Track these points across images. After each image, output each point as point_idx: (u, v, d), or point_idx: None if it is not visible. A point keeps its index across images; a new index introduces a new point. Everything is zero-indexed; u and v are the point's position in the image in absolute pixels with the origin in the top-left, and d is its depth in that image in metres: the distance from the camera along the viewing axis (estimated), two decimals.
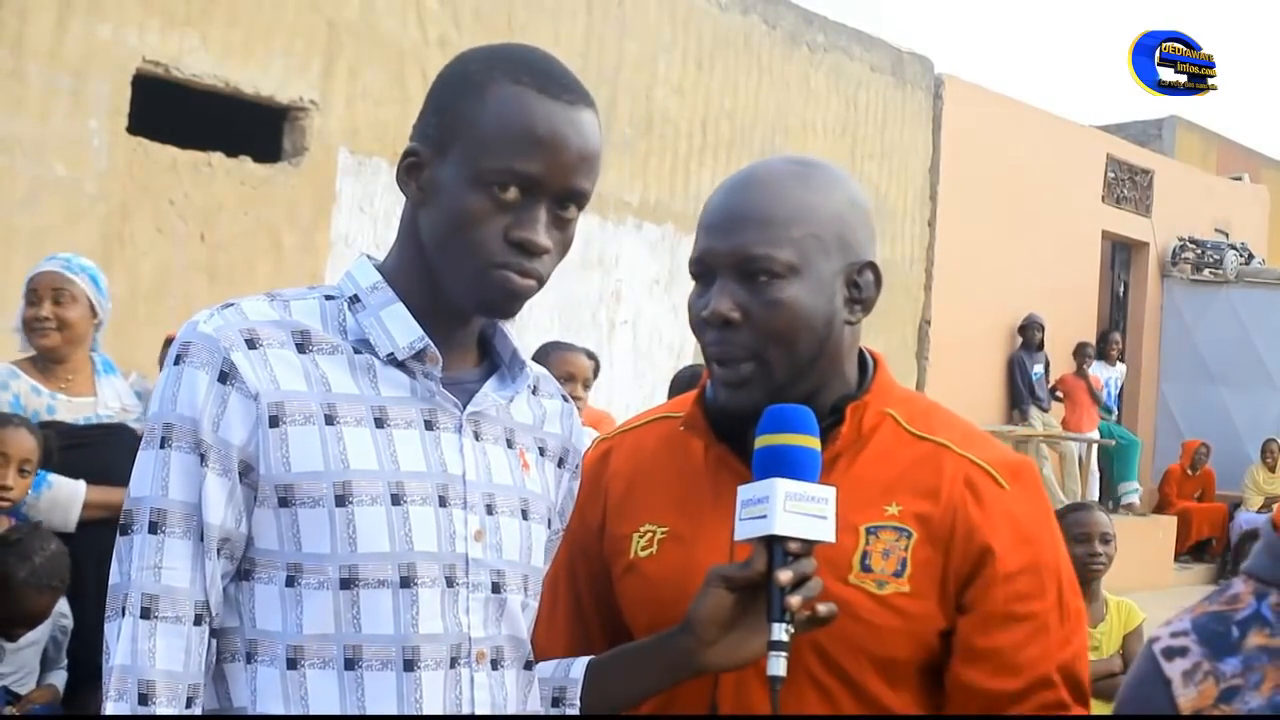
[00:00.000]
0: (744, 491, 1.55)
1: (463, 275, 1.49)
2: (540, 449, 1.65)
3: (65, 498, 3.82)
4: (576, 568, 1.82)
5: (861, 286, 1.69)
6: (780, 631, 1.49)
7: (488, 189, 1.47)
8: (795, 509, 1.51)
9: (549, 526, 1.66)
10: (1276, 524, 1.38)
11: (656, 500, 1.73)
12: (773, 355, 1.63)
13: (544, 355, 4.80)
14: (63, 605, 3.78)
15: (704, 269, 1.68)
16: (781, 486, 1.51)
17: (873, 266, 1.70)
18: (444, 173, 1.49)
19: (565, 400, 1.73)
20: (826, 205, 1.66)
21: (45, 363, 4.07)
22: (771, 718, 1.51)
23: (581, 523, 1.80)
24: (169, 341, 4.31)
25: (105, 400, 4.09)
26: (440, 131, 1.49)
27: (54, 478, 3.83)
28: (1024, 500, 1.68)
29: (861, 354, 1.76)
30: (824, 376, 1.68)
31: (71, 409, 4.02)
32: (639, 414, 1.93)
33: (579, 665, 1.67)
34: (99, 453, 3.92)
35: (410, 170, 1.51)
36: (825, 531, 1.53)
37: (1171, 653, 1.33)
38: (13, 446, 3.67)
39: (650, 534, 1.72)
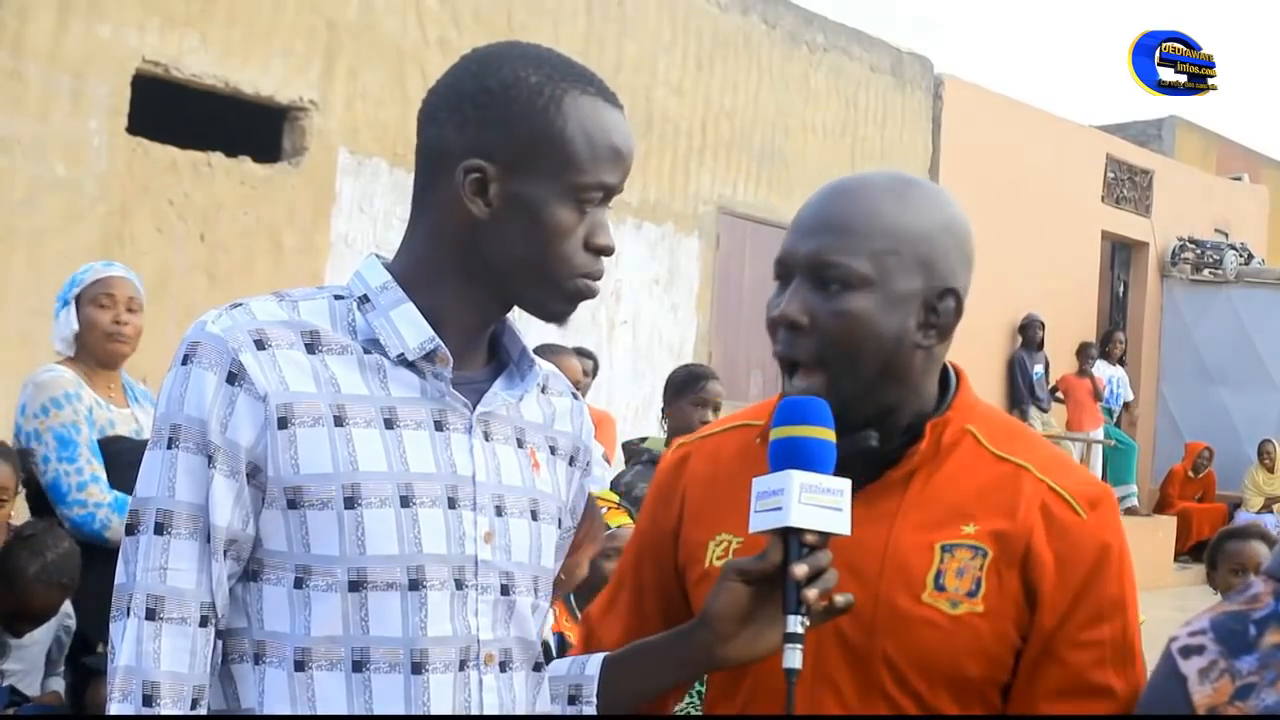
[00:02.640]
0: (759, 483, 1.54)
1: (545, 285, 1.52)
2: (551, 448, 1.65)
3: None
4: (643, 566, 1.82)
5: (940, 312, 1.64)
6: (796, 624, 1.48)
7: (577, 203, 1.50)
8: (811, 501, 1.50)
9: (559, 526, 1.65)
10: None
11: (733, 510, 1.69)
12: (837, 366, 1.60)
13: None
14: (66, 606, 3.77)
15: (783, 270, 1.66)
16: (797, 478, 1.50)
17: (955, 293, 1.64)
18: (523, 187, 1.49)
19: (575, 398, 1.72)
20: (916, 224, 1.62)
21: (94, 372, 3.92)
22: (800, 717, 1.51)
23: (654, 524, 1.81)
24: None
25: (145, 422, 3.95)
26: (514, 146, 1.49)
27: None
28: (1100, 530, 1.64)
29: (945, 370, 1.72)
30: (897, 397, 1.64)
31: (123, 422, 3.91)
32: (719, 419, 1.93)
33: (594, 662, 1.67)
34: None
35: (476, 186, 1.49)
36: (840, 524, 1.51)
37: (1188, 651, 1.34)
38: None
39: (726, 544, 1.70)
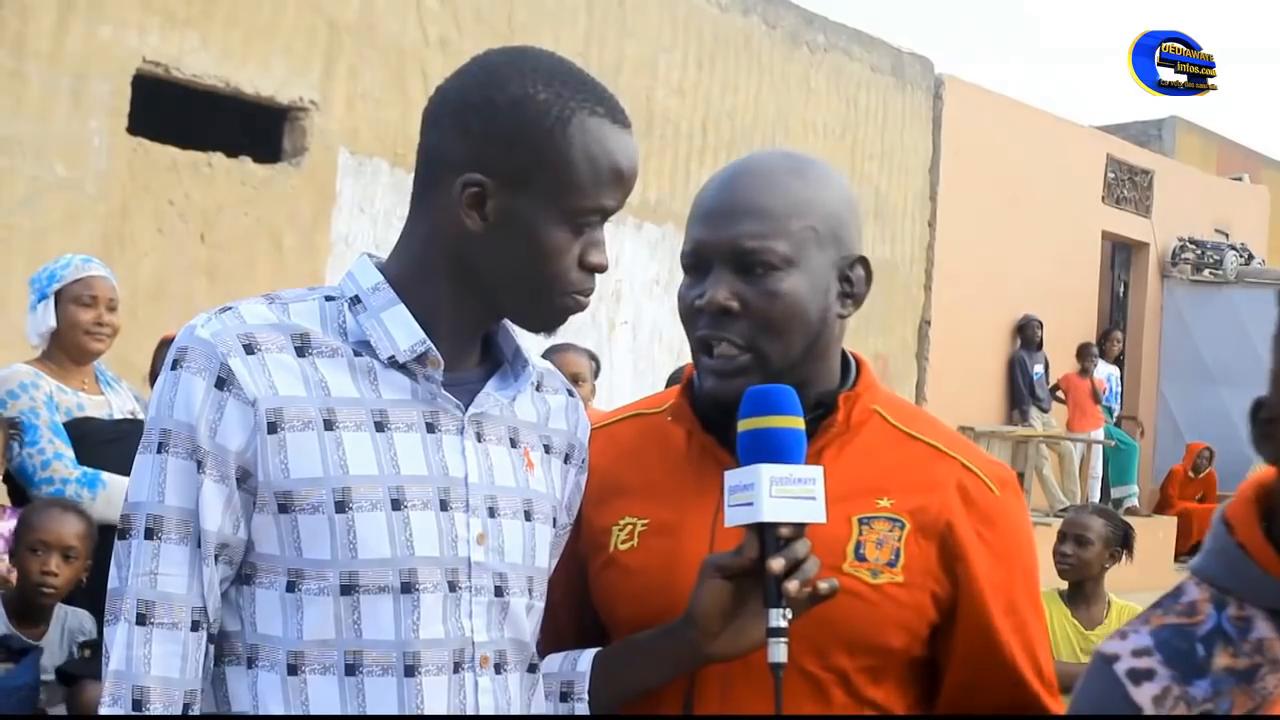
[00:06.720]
0: (730, 478, 1.54)
1: (535, 302, 1.53)
2: (545, 446, 1.65)
3: (120, 495, 3.76)
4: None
5: (853, 281, 1.70)
6: (778, 618, 1.48)
7: (574, 225, 1.50)
8: (782, 493, 1.49)
9: (554, 525, 1.64)
10: (1229, 523, 1.31)
11: (636, 493, 1.72)
12: (768, 346, 1.63)
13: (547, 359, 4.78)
14: (87, 619, 3.72)
15: (698, 260, 1.68)
16: (766, 472, 1.50)
17: (864, 261, 1.71)
18: (521, 206, 1.48)
19: (570, 395, 1.72)
20: (822, 199, 1.67)
21: (64, 366, 3.99)
22: (750, 718, 1.50)
23: None
24: (164, 343, 4.30)
25: (116, 405, 4.06)
26: (516, 164, 1.47)
27: (107, 476, 3.76)
28: (1012, 507, 1.70)
29: (843, 353, 1.76)
30: (813, 369, 1.68)
31: (94, 407, 3.99)
32: (611, 411, 1.92)
33: (585, 658, 1.66)
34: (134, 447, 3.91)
35: (473, 200, 1.48)
36: (815, 512, 1.51)
37: (1138, 676, 1.25)
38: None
39: (630, 526, 1.70)
